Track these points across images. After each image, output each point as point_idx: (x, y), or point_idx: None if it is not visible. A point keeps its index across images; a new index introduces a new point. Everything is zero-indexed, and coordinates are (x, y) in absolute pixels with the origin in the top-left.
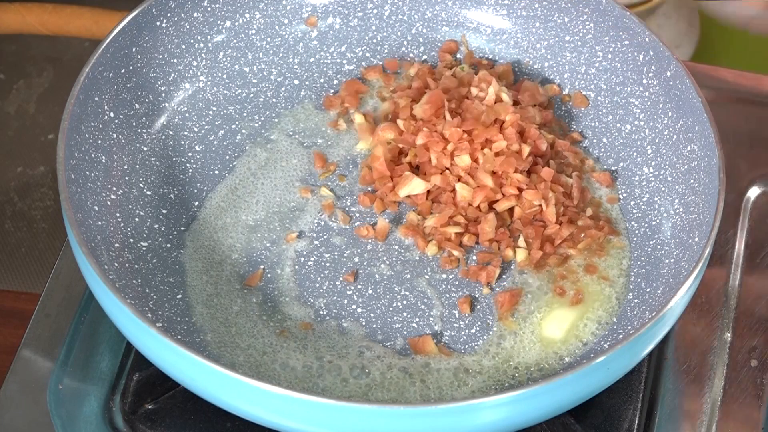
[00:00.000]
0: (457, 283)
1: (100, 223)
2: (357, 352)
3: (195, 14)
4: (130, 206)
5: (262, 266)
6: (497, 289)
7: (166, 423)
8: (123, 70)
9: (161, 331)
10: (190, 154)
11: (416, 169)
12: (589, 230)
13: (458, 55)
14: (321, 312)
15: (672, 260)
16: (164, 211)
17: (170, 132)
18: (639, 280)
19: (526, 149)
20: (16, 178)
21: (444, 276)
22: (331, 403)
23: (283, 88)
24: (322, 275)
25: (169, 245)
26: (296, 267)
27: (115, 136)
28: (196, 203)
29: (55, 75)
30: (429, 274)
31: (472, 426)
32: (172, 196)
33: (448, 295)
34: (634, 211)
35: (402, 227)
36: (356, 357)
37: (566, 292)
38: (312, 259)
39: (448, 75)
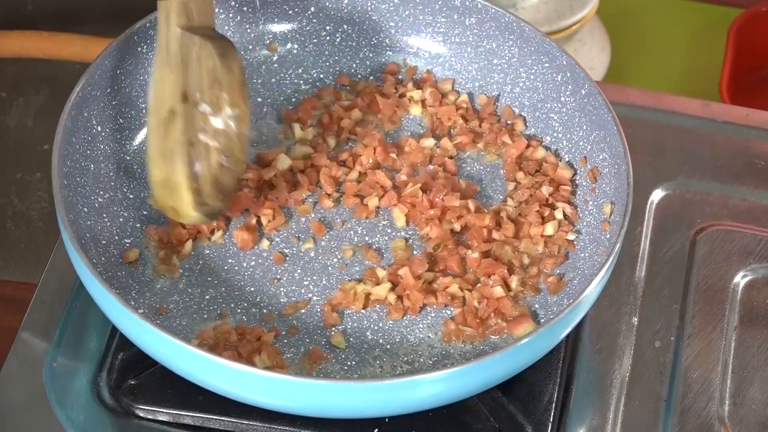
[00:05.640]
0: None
1: (89, 222)
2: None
3: None
4: (115, 208)
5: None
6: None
7: (147, 396)
8: (109, 90)
9: (142, 316)
10: None
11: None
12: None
13: (400, 76)
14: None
15: (587, 254)
16: (144, 213)
17: None
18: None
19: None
20: (16, 182)
21: None
22: (283, 377)
23: None
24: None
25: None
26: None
27: (102, 147)
28: None
29: (51, 93)
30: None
31: (412, 399)
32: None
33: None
34: None
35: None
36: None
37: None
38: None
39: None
